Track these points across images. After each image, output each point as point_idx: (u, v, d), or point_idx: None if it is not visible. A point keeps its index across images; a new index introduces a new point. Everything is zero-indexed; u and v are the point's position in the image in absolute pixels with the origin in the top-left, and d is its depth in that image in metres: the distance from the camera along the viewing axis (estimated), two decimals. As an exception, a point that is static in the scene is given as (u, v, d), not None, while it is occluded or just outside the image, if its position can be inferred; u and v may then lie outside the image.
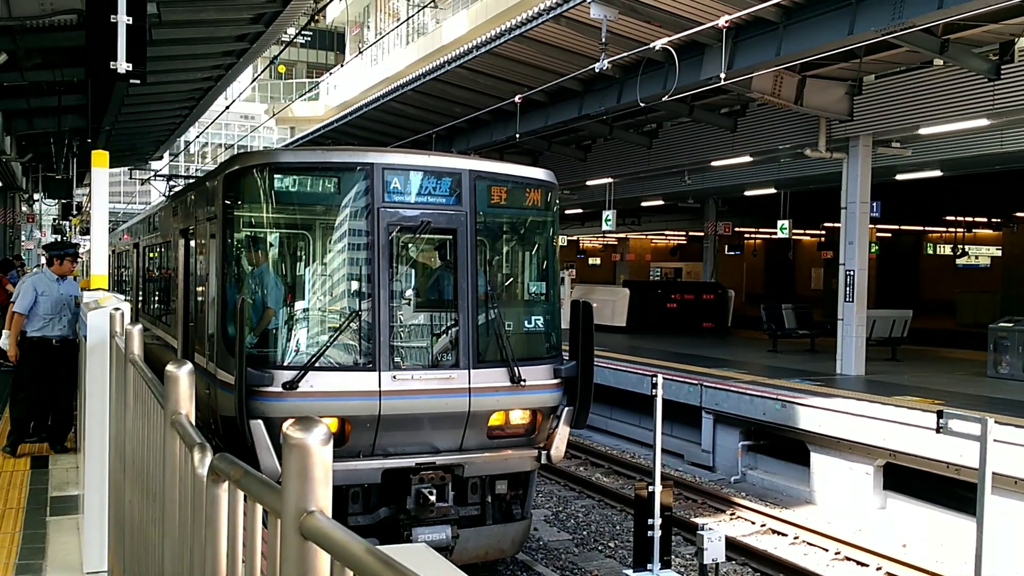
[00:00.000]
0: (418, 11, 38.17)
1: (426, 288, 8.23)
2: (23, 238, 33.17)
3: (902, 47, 12.69)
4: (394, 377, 7.42)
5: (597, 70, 13.14)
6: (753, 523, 11.54)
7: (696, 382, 14.71)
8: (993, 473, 6.78)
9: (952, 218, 34.03)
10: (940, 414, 6.99)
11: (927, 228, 37.97)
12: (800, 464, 13.06)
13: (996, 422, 6.93)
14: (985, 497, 6.52)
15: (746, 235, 40.27)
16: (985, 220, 34.08)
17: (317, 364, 7.25)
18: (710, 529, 8.56)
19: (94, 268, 7.11)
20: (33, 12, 10.16)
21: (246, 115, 61.90)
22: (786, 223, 20.79)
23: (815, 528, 10.97)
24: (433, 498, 7.46)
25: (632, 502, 9.44)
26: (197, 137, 46.81)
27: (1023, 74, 12.83)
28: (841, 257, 15.95)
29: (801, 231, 36.90)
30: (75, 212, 28.69)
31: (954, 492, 10.87)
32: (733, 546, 9.90)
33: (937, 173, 18.64)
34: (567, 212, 31.64)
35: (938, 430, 6.98)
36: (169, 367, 2.62)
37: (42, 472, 7.96)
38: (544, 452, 8.15)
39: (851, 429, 11.84)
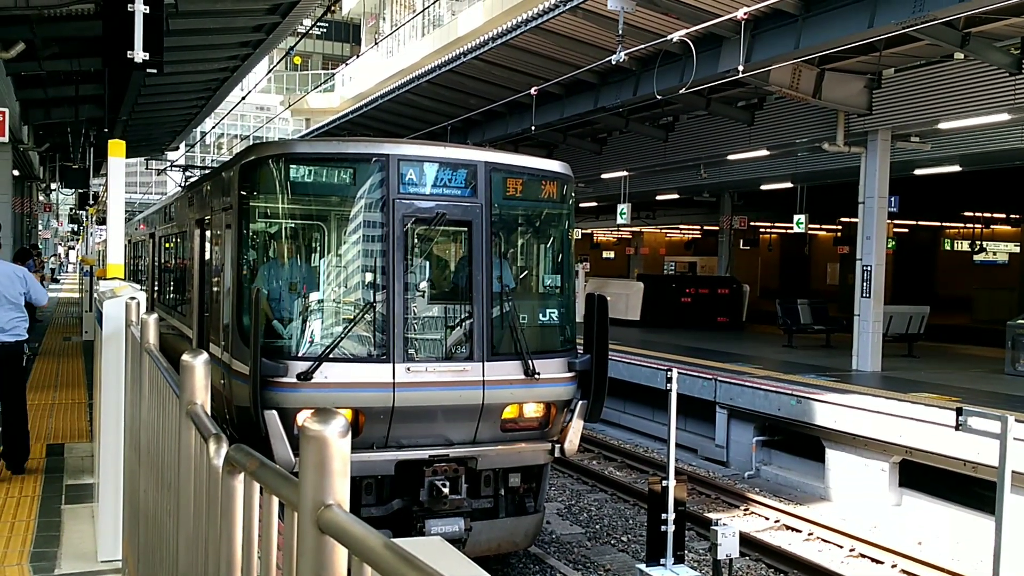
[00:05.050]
0: (434, 2, 38.10)
1: (440, 280, 8.22)
2: (40, 227, 33.39)
3: (922, 40, 12.55)
4: (408, 369, 7.41)
5: (614, 62, 13.07)
6: (767, 519, 11.50)
7: (710, 377, 14.64)
8: (1012, 472, 6.71)
9: (970, 214, 33.73)
10: (959, 411, 6.91)
11: (945, 224, 37.65)
12: (815, 460, 12.99)
13: (1016, 420, 6.86)
14: (1005, 496, 6.45)
15: (762, 229, 40.04)
16: (1003, 216, 33.78)
17: (331, 355, 7.25)
18: (724, 524, 8.51)
19: (110, 257, 7.12)
20: (51, 1, 10.19)
21: (262, 106, 62.10)
22: (802, 218, 20.68)
23: (830, 524, 10.91)
24: (446, 490, 7.46)
25: (645, 496, 9.42)
26: (213, 128, 46.92)
27: (1045, 68, 12.69)
28: (858, 252, 15.83)
29: (817, 226, 36.65)
30: (92, 202, 28.81)
31: (971, 490, 10.79)
32: (747, 542, 9.87)
33: (956, 168, 18.46)
34: (582, 205, 31.55)
35: (958, 427, 6.90)
36: (185, 357, 2.60)
37: (58, 460, 7.99)
38: (558, 445, 8.13)
39: (867, 425, 11.76)
